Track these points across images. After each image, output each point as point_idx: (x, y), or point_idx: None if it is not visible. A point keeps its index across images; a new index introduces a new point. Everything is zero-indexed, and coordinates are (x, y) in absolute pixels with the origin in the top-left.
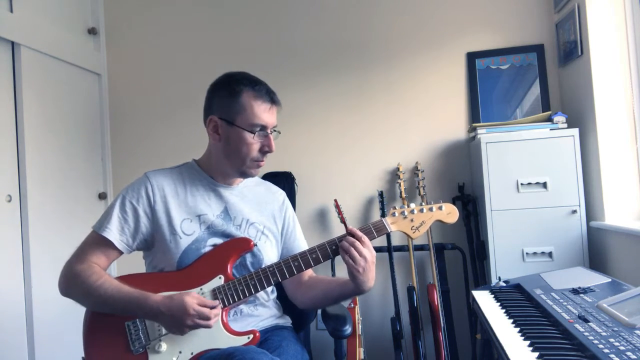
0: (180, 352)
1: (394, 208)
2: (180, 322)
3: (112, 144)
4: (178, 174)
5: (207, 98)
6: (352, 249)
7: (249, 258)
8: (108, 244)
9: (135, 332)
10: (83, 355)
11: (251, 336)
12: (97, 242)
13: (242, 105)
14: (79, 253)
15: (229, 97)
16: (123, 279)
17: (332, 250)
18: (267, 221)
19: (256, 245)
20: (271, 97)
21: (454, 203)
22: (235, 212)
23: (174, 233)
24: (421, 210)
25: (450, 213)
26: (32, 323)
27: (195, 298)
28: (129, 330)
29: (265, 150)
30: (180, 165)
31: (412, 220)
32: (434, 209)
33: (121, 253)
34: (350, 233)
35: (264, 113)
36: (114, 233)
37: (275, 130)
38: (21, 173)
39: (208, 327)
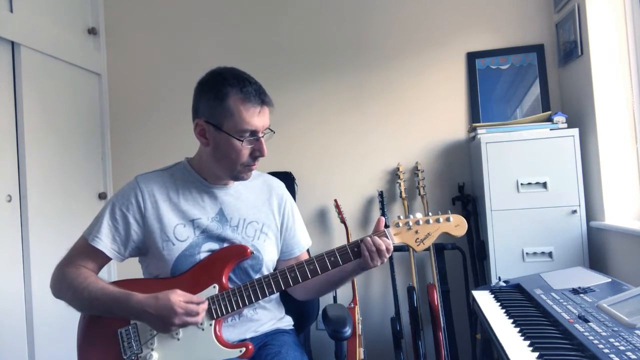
0: None
1: (399, 218)
2: (168, 322)
3: (112, 144)
4: (170, 176)
5: (194, 98)
6: (384, 247)
7: (248, 261)
8: (98, 253)
9: (127, 340)
10: None
11: (243, 349)
12: (86, 250)
13: (230, 109)
14: (68, 257)
15: (215, 99)
16: (117, 284)
17: (331, 261)
18: (266, 218)
19: (253, 253)
20: (261, 99)
21: (453, 203)
22: (231, 212)
23: (166, 240)
24: (427, 221)
25: (458, 225)
26: (32, 322)
27: (180, 295)
28: (121, 338)
29: (256, 155)
30: (172, 165)
31: (416, 232)
32: (441, 220)
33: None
34: (381, 233)
35: (253, 117)
36: (104, 242)
37: (269, 130)
38: (21, 173)
39: (196, 323)
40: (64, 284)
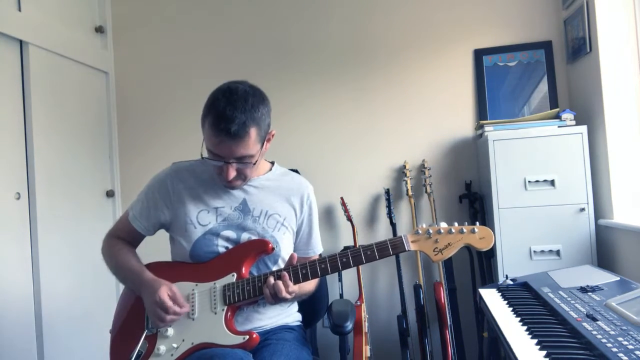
0: (182, 340)
1: (422, 227)
2: (149, 308)
3: (119, 142)
4: (201, 166)
5: None
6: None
7: None
8: (133, 228)
9: None
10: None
11: (247, 337)
12: (126, 223)
13: (205, 133)
14: (115, 227)
15: (201, 119)
16: (148, 266)
17: (343, 262)
18: (287, 212)
19: (274, 249)
20: (225, 131)
21: (460, 201)
22: (254, 203)
23: (189, 223)
24: (449, 231)
25: (484, 238)
26: (40, 318)
27: (170, 291)
28: (147, 311)
29: (222, 177)
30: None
31: (436, 241)
32: (465, 231)
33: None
34: (278, 275)
35: (215, 147)
36: (137, 219)
37: (235, 160)
38: (29, 171)
39: (162, 320)
40: (105, 250)
